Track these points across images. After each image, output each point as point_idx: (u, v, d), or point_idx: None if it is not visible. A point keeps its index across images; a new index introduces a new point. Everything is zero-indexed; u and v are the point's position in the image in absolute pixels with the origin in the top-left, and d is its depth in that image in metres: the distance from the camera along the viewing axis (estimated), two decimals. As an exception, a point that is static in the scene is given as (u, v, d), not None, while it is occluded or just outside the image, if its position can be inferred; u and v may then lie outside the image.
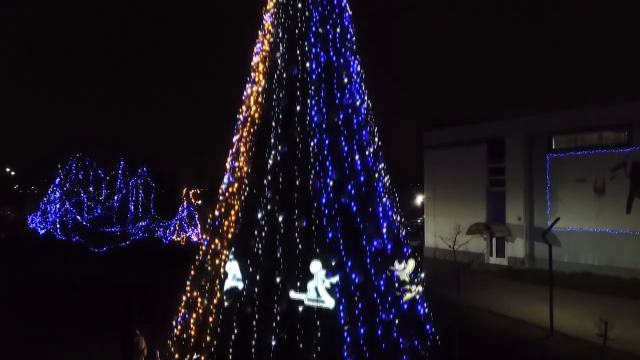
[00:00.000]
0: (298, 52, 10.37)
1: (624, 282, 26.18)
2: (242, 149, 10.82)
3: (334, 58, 10.57)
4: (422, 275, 10.95)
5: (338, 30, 10.79)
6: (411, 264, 10.51)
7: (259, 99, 10.67)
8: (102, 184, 40.86)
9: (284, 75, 10.41)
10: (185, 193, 35.00)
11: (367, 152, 10.64)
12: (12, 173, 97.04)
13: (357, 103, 10.79)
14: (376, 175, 10.66)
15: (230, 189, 10.75)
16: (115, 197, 38.70)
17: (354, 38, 11.16)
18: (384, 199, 10.61)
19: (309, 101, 10.15)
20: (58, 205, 35.78)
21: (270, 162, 10.02)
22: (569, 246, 29.85)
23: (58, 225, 34.13)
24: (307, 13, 10.56)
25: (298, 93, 10.19)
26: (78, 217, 35.26)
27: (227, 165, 11.28)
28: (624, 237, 27.99)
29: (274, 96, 10.39)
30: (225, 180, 11.11)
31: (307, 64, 10.30)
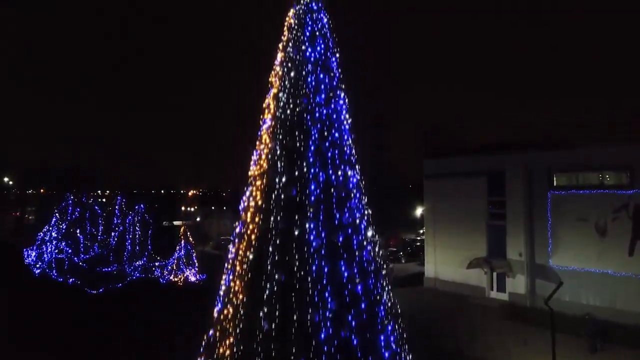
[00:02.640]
0: (297, 173, 9.99)
1: (626, 328, 25.85)
2: (238, 268, 10.44)
3: (333, 177, 10.19)
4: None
5: (337, 145, 10.39)
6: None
7: (256, 219, 10.29)
8: (99, 220, 40.50)
9: (282, 196, 10.03)
10: (183, 232, 34.71)
11: (368, 273, 10.26)
12: (10, 182, 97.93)
13: (357, 220, 10.41)
14: (377, 298, 10.27)
15: (225, 311, 10.37)
16: (113, 234, 38.35)
17: (353, 150, 10.77)
18: (386, 323, 10.24)
19: (307, 225, 9.78)
20: (55, 244, 35.42)
21: (267, 292, 9.65)
22: (570, 285, 29.45)
23: (54, 266, 33.81)
24: (305, 130, 10.16)
25: (296, 217, 9.82)
26: (75, 258, 34.90)
27: (222, 282, 10.86)
28: (626, 280, 27.70)
29: (272, 218, 10.01)
30: (221, 299, 10.69)
31: (306, 185, 9.93)
